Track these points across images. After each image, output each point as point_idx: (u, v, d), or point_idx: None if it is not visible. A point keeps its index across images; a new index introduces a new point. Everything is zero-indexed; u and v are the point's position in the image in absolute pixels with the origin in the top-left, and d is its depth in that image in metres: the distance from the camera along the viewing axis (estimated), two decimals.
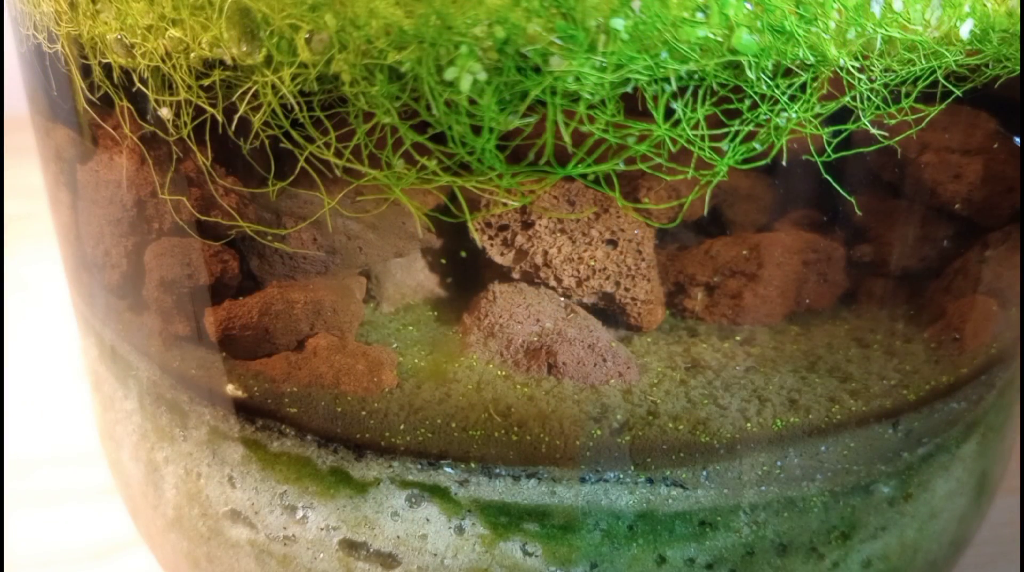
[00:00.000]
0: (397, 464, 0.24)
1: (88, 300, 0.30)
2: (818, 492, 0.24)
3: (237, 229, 0.23)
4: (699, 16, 0.18)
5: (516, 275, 0.24)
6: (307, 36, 0.19)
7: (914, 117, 0.21)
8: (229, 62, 0.20)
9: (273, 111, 0.20)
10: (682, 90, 0.19)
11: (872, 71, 0.20)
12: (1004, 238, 0.26)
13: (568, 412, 0.23)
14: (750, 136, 0.20)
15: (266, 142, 0.21)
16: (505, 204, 0.22)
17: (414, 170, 0.20)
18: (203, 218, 0.23)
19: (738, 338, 0.25)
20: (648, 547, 0.24)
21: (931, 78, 0.21)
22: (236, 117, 0.21)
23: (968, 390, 0.27)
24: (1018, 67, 0.22)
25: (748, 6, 0.18)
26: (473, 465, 0.23)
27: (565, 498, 0.23)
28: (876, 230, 0.25)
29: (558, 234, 0.23)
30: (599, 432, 0.23)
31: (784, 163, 0.20)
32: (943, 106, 0.21)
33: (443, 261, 0.25)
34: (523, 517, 0.24)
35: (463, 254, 0.24)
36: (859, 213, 0.23)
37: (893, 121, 0.21)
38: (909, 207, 0.25)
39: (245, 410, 0.25)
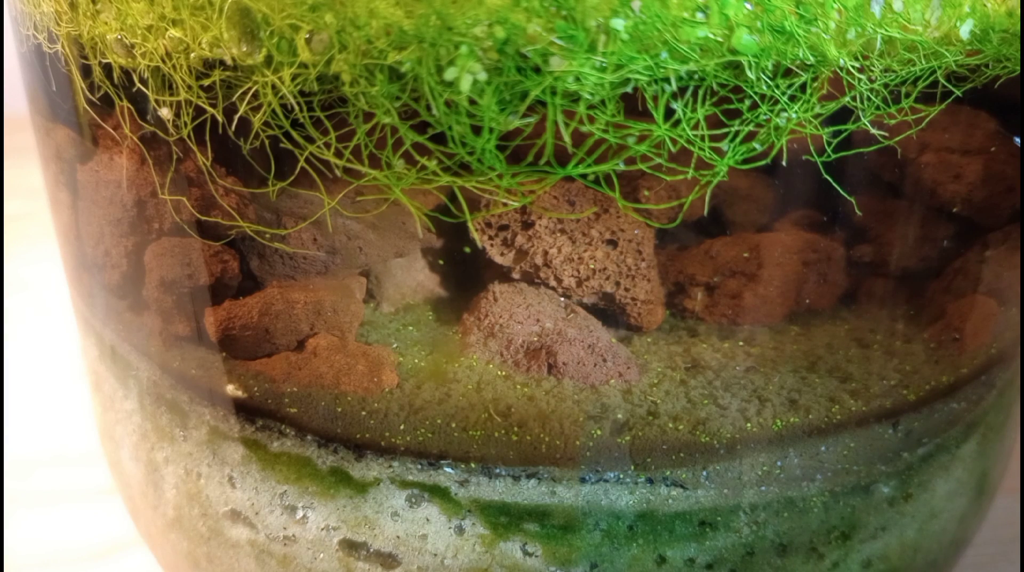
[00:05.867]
0: (397, 464, 0.24)
1: (88, 300, 0.30)
2: (818, 492, 0.24)
3: (237, 229, 0.23)
4: (699, 16, 0.18)
5: (516, 275, 0.24)
6: (307, 36, 0.19)
7: (914, 117, 0.21)
8: (229, 62, 0.20)
9: (273, 111, 0.20)
10: (682, 90, 0.19)
11: (872, 71, 0.20)
12: (1004, 238, 0.26)
13: (568, 412, 0.23)
14: (750, 136, 0.20)
15: (266, 142, 0.21)
16: (505, 204, 0.22)
17: (414, 170, 0.20)
18: (203, 218, 0.23)
19: (738, 338, 0.25)
20: (648, 547, 0.24)
21: (931, 78, 0.21)
22: (236, 117, 0.21)
23: (968, 390, 0.27)
24: (1018, 67, 0.22)
25: (748, 6, 0.18)
26: (473, 465, 0.23)
27: (565, 498, 0.23)
28: (876, 230, 0.25)
29: (558, 234, 0.23)
30: (599, 432, 0.23)
31: (784, 163, 0.20)
32: (943, 106, 0.21)
33: (443, 261, 0.25)
34: (523, 517, 0.24)
35: (463, 254, 0.24)
36: (859, 213, 0.23)
37: (893, 121, 0.21)
38: (909, 207, 0.25)
39: (245, 410, 0.25)
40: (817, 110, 0.20)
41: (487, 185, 0.20)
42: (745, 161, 0.20)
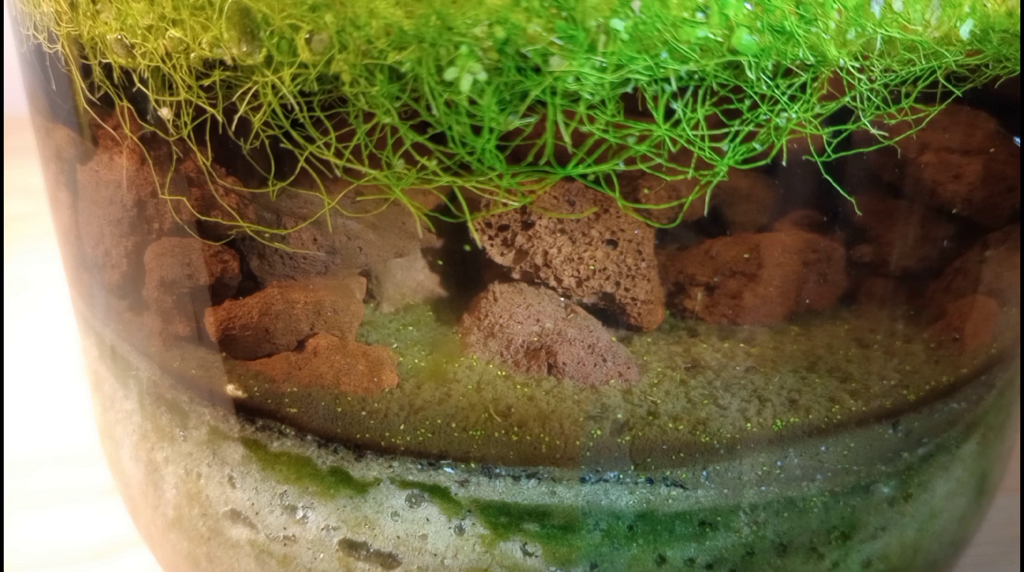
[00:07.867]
0: (397, 464, 0.24)
1: (88, 300, 0.30)
2: (818, 492, 0.24)
3: (237, 229, 0.23)
4: (699, 16, 0.18)
5: (516, 275, 0.24)
6: (307, 36, 0.19)
7: (914, 117, 0.21)
8: (229, 62, 0.20)
9: (273, 111, 0.20)
10: (682, 90, 0.19)
11: (872, 71, 0.20)
12: (1004, 238, 0.26)
13: (568, 412, 0.23)
14: (750, 136, 0.20)
15: (266, 142, 0.21)
16: (505, 204, 0.22)
17: (414, 170, 0.20)
18: (203, 218, 0.23)
19: (739, 338, 0.25)
20: (648, 547, 0.24)
21: (931, 78, 0.21)
22: (236, 117, 0.21)
23: (968, 390, 0.27)
24: (1018, 67, 0.22)
25: (748, 6, 0.18)
26: (473, 465, 0.23)
27: (565, 498, 0.23)
28: (876, 230, 0.25)
29: (558, 234, 0.23)
30: (599, 432, 0.23)
31: (784, 163, 0.20)
32: (943, 106, 0.21)
33: (443, 261, 0.25)
34: (523, 517, 0.24)
35: (463, 254, 0.24)
36: (859, 213, 0.23)
37: (893, 121, 0.21)
38: (909, 207, 0.25)
39: (245, 410, 0.25)
40: (817, 110, 0.20)
41: (487, 185, 0.20)
42: (745, 161, 0.20)
